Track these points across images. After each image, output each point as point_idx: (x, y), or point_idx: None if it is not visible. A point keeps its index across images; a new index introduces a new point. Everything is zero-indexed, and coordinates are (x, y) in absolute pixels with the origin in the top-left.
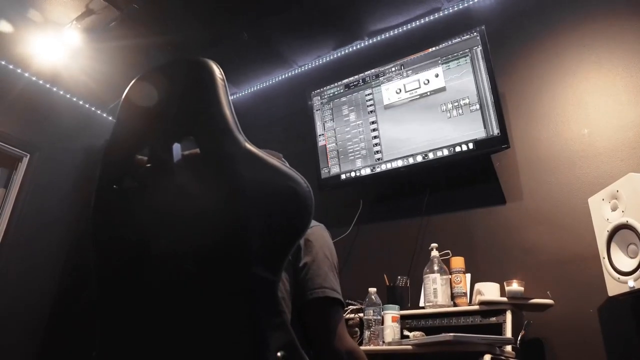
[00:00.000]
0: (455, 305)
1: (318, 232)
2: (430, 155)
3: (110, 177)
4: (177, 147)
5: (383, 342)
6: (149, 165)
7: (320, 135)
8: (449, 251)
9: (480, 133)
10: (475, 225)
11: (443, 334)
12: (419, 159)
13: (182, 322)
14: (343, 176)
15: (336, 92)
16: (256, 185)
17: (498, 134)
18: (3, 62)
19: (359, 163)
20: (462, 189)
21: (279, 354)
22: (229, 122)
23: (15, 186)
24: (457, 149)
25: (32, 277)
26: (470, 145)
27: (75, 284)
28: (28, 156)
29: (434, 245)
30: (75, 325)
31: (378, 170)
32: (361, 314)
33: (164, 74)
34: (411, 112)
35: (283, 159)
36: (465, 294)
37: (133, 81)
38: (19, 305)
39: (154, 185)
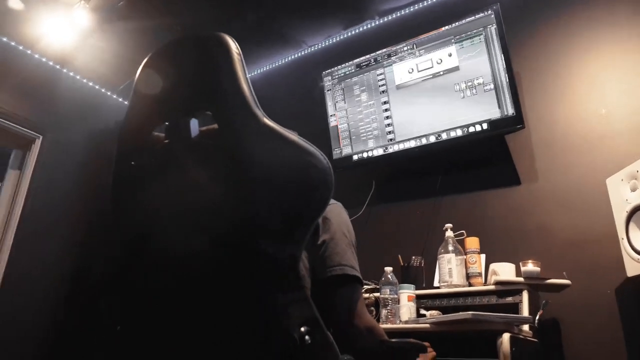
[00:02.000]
0: (470, 285)
1: (336, 210)
2: (444, 136)
3: (128, 154)
4: (194, 123)
5: (400, 320)
6: (166, 141)
7: (331, 115)
8: (463, 232)
9: (494, 113)
10: (489, 206)
11: (462, 313)
12: (432, 139)
13: (204, 296)
14: (355, 157)
15: (347, 72)
16: (276, 160)
17: (513, 114)
18: (13, 43)
19: (371, 144)
20: (476, 169)
21: (302, 328)
22: (247, 97)
23: (30, 168)
24: (471, 129)
25: (47, 258)
26: (485, 126)
27: (87, 265)
28: (41, 138)
29: (449, 225)
30: (89, 302)
31: (390, 150)
32: (376, 294)
33: (180, 48)
34: (424, 92)
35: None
36: (480, 274)
37: (148, 57)
38: (33, 285)
39: (171, 161)
